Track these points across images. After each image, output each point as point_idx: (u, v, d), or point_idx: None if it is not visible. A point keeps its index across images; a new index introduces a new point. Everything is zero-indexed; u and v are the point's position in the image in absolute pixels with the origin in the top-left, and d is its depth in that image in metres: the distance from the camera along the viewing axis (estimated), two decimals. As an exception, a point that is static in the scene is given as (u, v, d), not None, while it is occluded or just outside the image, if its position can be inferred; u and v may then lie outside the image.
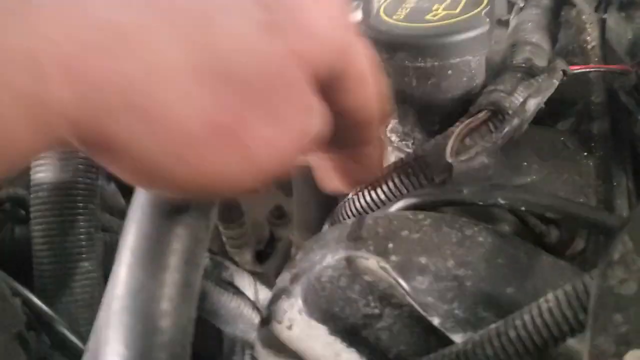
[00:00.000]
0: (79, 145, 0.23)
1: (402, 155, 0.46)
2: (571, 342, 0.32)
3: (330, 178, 0.42)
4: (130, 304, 0.29)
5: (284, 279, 0.43)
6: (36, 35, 0.21)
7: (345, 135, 0.37)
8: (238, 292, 0.67)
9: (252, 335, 0.64)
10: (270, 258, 1.03)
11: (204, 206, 0.32)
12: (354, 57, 0.32)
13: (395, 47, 0.45)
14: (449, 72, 0.46)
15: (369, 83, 0.34)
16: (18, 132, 0.21)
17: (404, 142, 0.51)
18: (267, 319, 0.43)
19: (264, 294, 0.68)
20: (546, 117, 0.56)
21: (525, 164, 0.50)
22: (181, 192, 0.28)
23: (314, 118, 0.31)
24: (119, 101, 0.23)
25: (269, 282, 0.69)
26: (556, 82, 0.45)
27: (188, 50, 0.25)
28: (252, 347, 0.65)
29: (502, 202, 0.42)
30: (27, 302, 0.52)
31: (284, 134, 0.29)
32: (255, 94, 0.27)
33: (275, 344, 0.43)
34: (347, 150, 0.39)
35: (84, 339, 0.53)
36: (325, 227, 0.49)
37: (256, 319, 0.65)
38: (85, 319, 0.53)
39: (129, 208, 0.31)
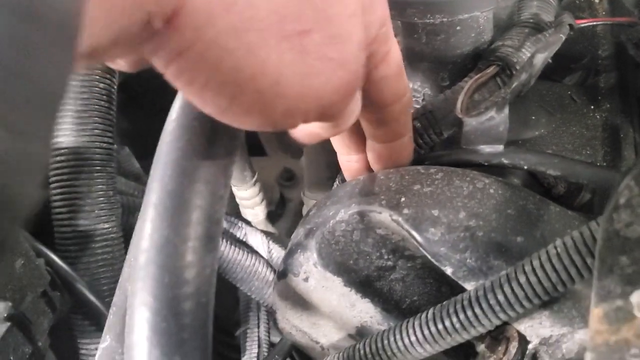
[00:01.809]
0: (160, 21, 0.24)
1: (412, 111, 0.47)
2: (578, 287, 0.33)
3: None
4: (157, 257, 0.30)
5: (298, 234, 0.44)
6: None
7: (380, 125, 0.40)
8: (252, 250, 0.69)
9: (267, 292, 0.66)
10: (281, 218, 1.04)
11: (222, 164, 0.33)
12: (393, 46, 0.36)
13: (404, 4, 0.45)
14: (458, 28, 0.46)
15: (402, 73, 0.38)
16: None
17: (413, 98, 0.52)
18: (284, 272, 0.44)
19: (277, 253, 0.70)
20: (553, 72, 0.57)
21: (533, 118, 0.50)
22: (239, 91, 0.27)
23: (363, 65, 0.32)
24: None
25: (280, 242, 0.71)
26: (563, 37, 0.45)
27: None
28: (266, 304, 0.67)
29: (505, 162, 0.43)
30: (49, 263, 0.53)
31: (342, 59, 0.30)
32: (323, 11, 0.28)
33: (292, 295, 0.45)
34: (385, 144, 0.42)
35: (104, 297, 0.55)
36: (336, 184, 0.51)
37: (270, 276, 0.66)
38: (106, 277, 0.55)
39: (151, 167, 0.32)
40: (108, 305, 0.47)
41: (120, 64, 0.28)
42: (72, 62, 0.19)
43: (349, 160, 0.46)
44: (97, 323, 0.56)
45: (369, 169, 0.45)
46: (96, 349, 0.54)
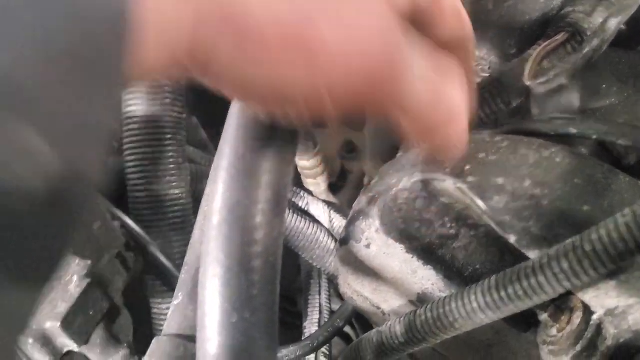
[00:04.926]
0: (189, 62, 0.27)
1: (479, 80, 0.46)
2: (646, 257, 0.33)
3: None
4: (229, 217, 0.32)
5: (360, 201, 0.45)
6: None
7: None
8: (314, 220, 0.70)
9: (328, 260, 0.67)
10: (342, 190, 1.05)
11: (290, 131, 0.34)
12: None
13: (471, -29, 0.45)
14: (526, -7, 0.45)
15: (459, 13, 0.35)
16: (149, 49, 0.24)
17: (480, 67, 0.51)
18: (346, 238, 0.45)
19: (338, 222, 0.71)
20: (627, 39, 0.55)
21: (604, 86, 0.49)
22: (263, 102, 0.30)
23: (392, 37, 0.30)
24: (218, 14, 0.26)
25: (342, 212, 0.72)
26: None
27: None
28: (327, 272, 0.68)
29: (573, 131, 0.42)
30: (124, 226, 0.57)
31: (351, 42, 0.29)
32: None
33: (354, 261, 0.46)
34: None
35: (175, 259, 0.58)
36: (400, 153, 0.51)
37: (331, 245, 0.68)
38: (177, 240, 0.58)
39: (223, 132, 0.34)
40: (179, 267, 0.49)
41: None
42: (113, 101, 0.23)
43: None
44: (168, 283, 0.58)
45: None
46: (167, 308, 0.57)
